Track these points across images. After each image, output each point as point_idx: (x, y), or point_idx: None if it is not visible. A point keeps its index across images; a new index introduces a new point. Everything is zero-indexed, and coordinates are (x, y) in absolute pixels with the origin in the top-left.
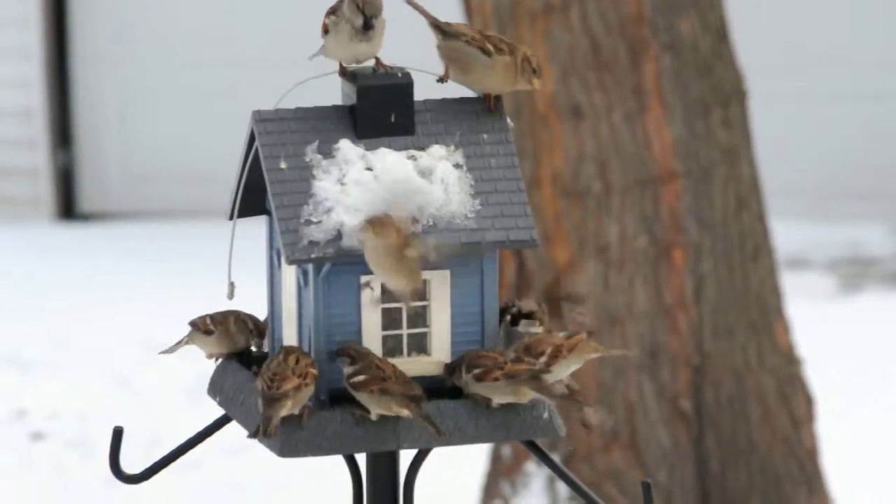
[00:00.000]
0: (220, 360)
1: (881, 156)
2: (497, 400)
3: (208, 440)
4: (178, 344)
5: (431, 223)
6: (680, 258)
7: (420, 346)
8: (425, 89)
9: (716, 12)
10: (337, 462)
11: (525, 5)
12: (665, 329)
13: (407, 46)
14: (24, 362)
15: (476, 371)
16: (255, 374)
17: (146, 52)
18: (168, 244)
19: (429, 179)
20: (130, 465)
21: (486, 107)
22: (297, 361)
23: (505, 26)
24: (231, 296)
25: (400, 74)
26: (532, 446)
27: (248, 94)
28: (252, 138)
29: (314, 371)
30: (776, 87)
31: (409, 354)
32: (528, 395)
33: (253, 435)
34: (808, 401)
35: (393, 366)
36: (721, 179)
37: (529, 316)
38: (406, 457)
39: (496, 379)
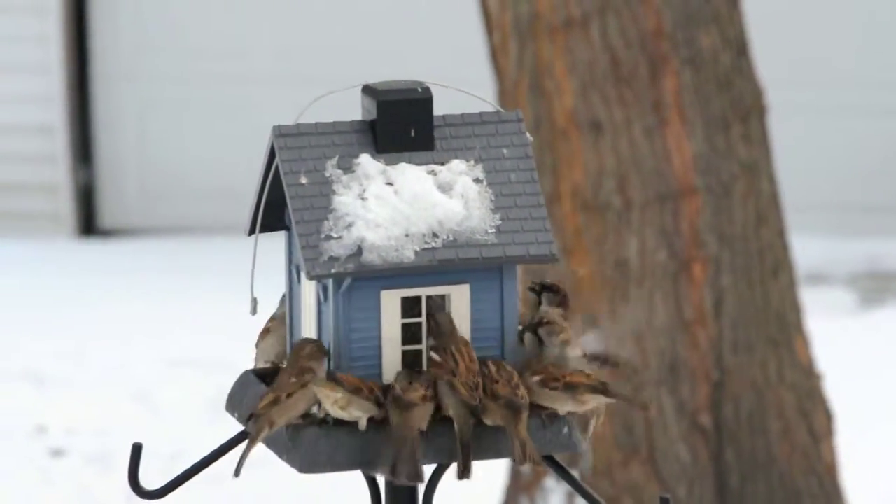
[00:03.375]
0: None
1: None
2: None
3: (228, 455)
4: (248, 450)
5: (452, 238)
6: (700, 273)
7: None
8: (445, 104)
9: (736, 27)
10: (356, 477)
11: (545, 20)
12: (685, 344)
13: (427, 61)
14: (43, 378)
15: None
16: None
17: (166, 69)
18: (188, 260)
19: (449, 194)
20: (150, 480)
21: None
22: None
23: (524, 41)
24: (254, 311)
25: (420, 89)
26: (551, 462)
27: (268, 110)
28: (272, 153)
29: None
30: (796, 101)
31: (428, 369)
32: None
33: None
34: (828, 416)
35: (467, 365)
36: (741, 194)
37: (549, 324)
38: (425, 472)
39: (555, 388)
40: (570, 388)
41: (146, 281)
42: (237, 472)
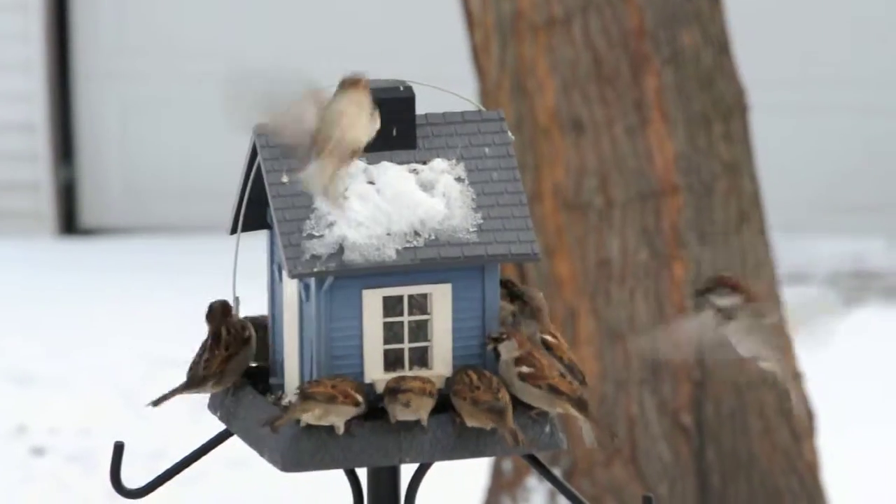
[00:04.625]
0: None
1: (882, 170)
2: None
3: (210, 454)
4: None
5: (433, 237)
6: (681, 272)
7: (421, 359)
8: (427, 103)
9: (717, 25)
10: (338, 476)
11: (527, 19)
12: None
13: (408, 60)
14: (24, 377)
15: (525, 369)
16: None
17: (148, 66)
18: (170, 259)
19: (430, 193)
20: (132, 479)
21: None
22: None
23: (507, 40)
24: (236, 311)
25: (402, 88)
26: (533, 461)
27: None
28: (254, 152)
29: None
30: (777, 100)
31: (410, 368)
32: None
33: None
34: (809, 415)
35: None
36: (722, 193)
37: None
38: (407, 471)
39: (538, 386)
40: (554, 391)
41: (127, 279)
42: (156, 403)
